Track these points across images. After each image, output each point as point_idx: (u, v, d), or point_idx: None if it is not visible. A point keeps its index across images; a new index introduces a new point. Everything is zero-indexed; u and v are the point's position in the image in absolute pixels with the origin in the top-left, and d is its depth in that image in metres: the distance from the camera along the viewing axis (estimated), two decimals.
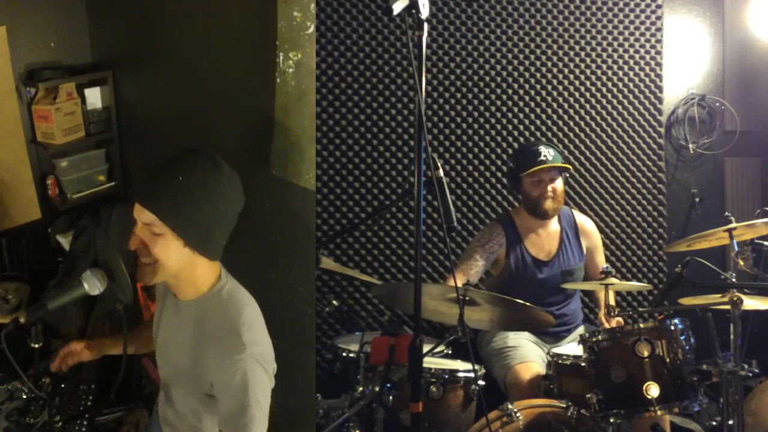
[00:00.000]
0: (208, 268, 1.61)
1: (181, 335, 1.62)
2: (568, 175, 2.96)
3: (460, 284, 2.05)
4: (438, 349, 2.08)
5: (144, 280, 1.54)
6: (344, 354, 2.44)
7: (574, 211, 2.94)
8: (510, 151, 3.20)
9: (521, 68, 3.23)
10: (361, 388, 2.20)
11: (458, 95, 3.19)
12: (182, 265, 1.54)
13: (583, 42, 3.27)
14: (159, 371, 1.76)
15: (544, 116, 3.25)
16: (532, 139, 3.23)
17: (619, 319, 2.51)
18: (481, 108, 3.21)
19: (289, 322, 2.55)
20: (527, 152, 2.73)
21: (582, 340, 2.23)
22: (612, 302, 2.40)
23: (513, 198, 3.18)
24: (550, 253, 2.77)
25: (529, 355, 2.56)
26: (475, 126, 3.21)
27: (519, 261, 2.73)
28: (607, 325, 2.48)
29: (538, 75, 3.25)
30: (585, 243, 2.85)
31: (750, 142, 3.44)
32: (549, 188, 2.68)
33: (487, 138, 3.22)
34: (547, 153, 2.68)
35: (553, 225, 2.81)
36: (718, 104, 3.41)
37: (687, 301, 2.33)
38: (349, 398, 2.24)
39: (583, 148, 3.28)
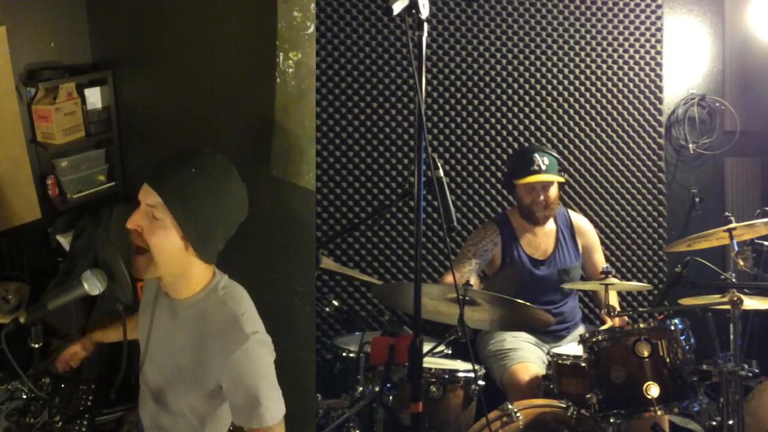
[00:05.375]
0: (205, 267, 1.60)
1: (180, 336, 1.61)
2: (566, 176, 2.95)
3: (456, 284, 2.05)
4: (438, 349, 2.08)
5: (137, 273, 1.53)
6: (344, 354, 2.44)
7: (569, 210, 2.94)
8: (510, 151, 3.20)
9: (521, 68, 3.24)
10: (361, 388, 2.19)
11: (458, 95, 3.19)
12: (175, 261, 1.53)
13: (583, 42, 3.27)
14: (148, 378, 1.73)
15: (543, 116, 3.25)
16: (533, 139, 3.23)
17: (617, 320, 2.51)
18: (481, 108, 3.21)
19: (289, 322, 2.56)
20: (522, 159, 2.70)
21: (582, 340, 2.24)
22: (614, 303, 2.39)
23: (513, 198, 3.18)
24: (546, 252, 2.77)
25: (526, 356, 2.56)
26: (475, 126, 3.21)
27: (515, 260, 2.73)
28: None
29: (538, 75, 3.25)
30: (581, 242, 2.85)
31: (750, 142, 3.45)
32: (541, 197, 2.68)
33: (487, 138, 3.22)
34: (541, 162, 2.65)
35: (549, 224, 2.81)
36: (718, 104, 3.41)
37: (687, 301, 2.33)
38: (349, 398, 2.24)
39: (583, 148, 3.28)
